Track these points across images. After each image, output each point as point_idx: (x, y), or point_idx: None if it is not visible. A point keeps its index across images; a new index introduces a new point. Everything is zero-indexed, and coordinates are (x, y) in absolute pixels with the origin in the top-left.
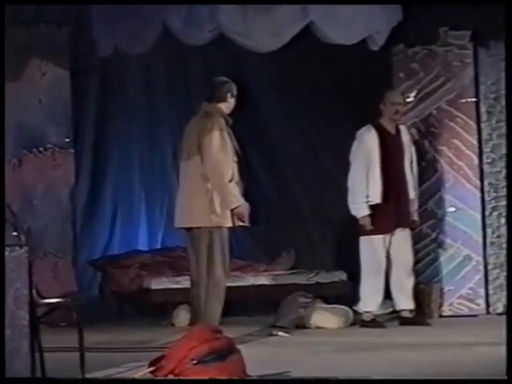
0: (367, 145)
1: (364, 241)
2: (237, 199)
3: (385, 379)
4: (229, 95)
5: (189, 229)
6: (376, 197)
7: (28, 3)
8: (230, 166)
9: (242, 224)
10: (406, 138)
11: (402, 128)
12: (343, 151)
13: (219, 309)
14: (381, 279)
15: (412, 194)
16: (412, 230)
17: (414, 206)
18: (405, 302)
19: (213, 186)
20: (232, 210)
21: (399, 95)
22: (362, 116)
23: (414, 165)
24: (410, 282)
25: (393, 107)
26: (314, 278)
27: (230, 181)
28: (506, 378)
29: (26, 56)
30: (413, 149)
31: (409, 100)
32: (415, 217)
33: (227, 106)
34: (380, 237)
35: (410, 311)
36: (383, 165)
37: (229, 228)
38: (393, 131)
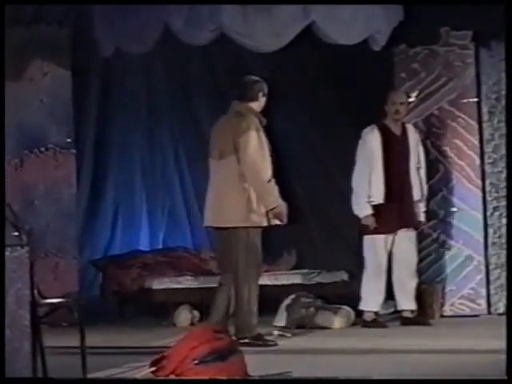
0: (370, 145)
1: (367, 240)
2: (276, 199)
3: (385, 379)
4: (260, 94)
5: (221, 228)
6: (378, 197)
7: (28, 3)
8: (267, 166)
9: (279, 223)
10: (412, 138)
11: (410, 128)
12: (344, 151)
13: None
14: (382, 279)
15: (417, 194)
16: (416, 229)
17: (420, 207)
18: (406, 302)
19: (250, 185)
20: (270, 210)
21: (399, 95)
22: (363, 116)
23: (422, 165)
24: (412, 283)
25: (393, 107)
26: (315, 278)
27: (269, 181)
28: (505, 377)
29: (27, 56)
30: (421, 149)
31: (410, 100)
32: (421, 218)
33: (259, 104)
34: (382, 237)
35: (412, 311)
36: (386, 165)
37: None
38: (398, 132)
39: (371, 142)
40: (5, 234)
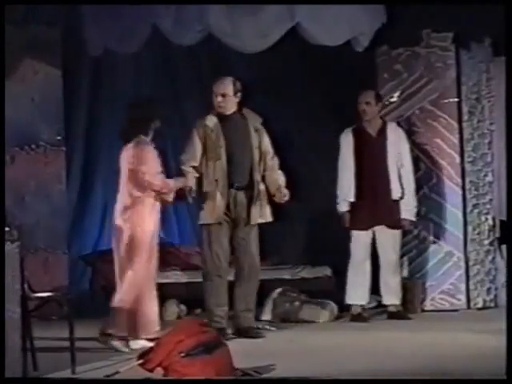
0: (344, 148)
1: (352, 236)
2: None
3: (384, 379)
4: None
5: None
6: (350, 195)
7: (28, 3)
8: None
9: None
10: (392, 136)
11: (390, 127)
12: (328, 150)
13: None
14: (366, 274)
15: (396, 192)
16: (400, 228)
17: (403, 205)
18: (389, 297)
19: None
20: None
21: (364, 95)
22: (346, 116)
23: (405, 163)
24: (394, 279)
25: (359, 107)
26: (299, 273)
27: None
28: (505, 377)
29: (18, 55)
30: (404, 147)
31: (392, 100)
32: (405, 215)
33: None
34: (362, 233)
35: (396, 306)
36: (358, 165)
37: None
38: (374, 132)
39: (344, 145)
40: (4, 234)
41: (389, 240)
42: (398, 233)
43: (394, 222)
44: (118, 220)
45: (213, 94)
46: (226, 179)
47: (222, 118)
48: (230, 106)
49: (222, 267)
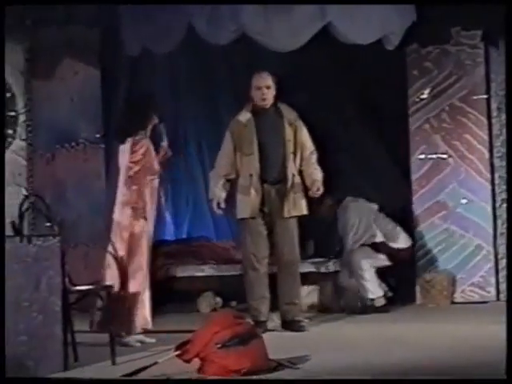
0: None
1: None
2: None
3: (385, 379)
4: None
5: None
6: None
7: (29, 3)
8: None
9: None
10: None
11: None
12: (360, 147)
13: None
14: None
15: None
16: None
17: None
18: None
19: None
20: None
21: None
22: (378, 112)
23: None
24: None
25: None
26: (330, 266)
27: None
28: (505, 377)
29: (58, 56)
30: None
31: (423, 97)
32: None
33: None
34: None
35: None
36: None
37: None
38: None
39: None
40: (5, 234)
41: None
42: None
43: None
44: (117, 215)
45: (252, 88)
46: (258, 174)
47: (257, 113)
48: (271, 97)
49: (257, 261)
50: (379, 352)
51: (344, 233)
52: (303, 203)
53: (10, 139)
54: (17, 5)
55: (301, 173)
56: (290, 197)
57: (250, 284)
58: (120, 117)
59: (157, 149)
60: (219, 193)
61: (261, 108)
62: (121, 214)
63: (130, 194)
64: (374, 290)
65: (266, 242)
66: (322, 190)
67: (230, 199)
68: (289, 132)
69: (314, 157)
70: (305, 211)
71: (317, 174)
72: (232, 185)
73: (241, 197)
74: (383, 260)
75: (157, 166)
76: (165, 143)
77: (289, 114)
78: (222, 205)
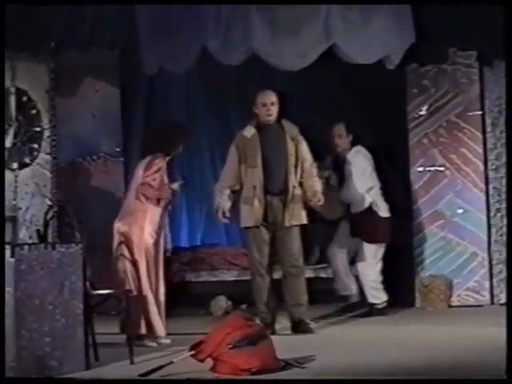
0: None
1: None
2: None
3: (385, 379)
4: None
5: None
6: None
7: (29, 4)
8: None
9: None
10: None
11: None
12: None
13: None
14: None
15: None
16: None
17: None
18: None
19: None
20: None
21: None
22: (378, 127)
23: None
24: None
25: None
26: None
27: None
28: (505, 377)
29: (80, 75)
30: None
31: (421, 113)
32: None
33: None
34: None
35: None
36: None
37: None
38: None
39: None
40: (4, 234)
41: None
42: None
43: None
44: (117, 224)
45: (257, 104)
46: (262, 185)
47: (261, 128)
48: (276, 113)
49: (262, 267)
50: (382, 353)
51: (356, 178)
52: (303, 213)
53: (35, 153)
54: (17, 5)
55: (301, 185)
56: (290, 207)
57: (258, 289)
58: (147, 138)
59: (169, 176)
60: (224, 203)
61: (265, 124)
62: (119, 222)
63: (139, 206)
64: (378, 294)
65: (271, 250)
66: (322, 201)
67: (235, 208)
68: (291, 146)
69: (314, 170)
70: (304, 221)
71: (317, 186)
72: (236, 195)
73: (245, 207)
74: (381, 248)
75: (165, 187)
76: (175, 185)
77: (291, 129)
78: (227, 214)
